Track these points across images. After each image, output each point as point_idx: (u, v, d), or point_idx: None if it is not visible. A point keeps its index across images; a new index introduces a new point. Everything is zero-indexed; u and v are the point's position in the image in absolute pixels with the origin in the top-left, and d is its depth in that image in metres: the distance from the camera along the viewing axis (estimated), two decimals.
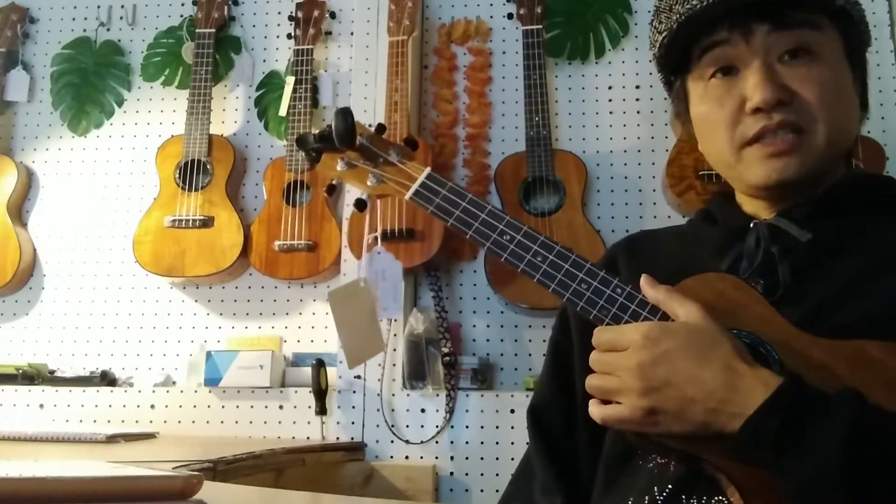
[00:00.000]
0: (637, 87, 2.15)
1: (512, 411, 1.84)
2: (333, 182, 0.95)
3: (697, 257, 0.89)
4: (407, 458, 1.88)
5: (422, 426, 1.88)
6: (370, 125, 0.94)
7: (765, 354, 0.74)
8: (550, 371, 1.00)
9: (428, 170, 0.89)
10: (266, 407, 1.99)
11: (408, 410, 1.90)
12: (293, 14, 2.26)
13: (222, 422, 2.00)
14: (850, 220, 0.84)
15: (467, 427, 1.86)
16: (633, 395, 0.72)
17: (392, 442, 1.89)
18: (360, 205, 0.96)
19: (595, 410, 0.75)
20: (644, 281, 0.78)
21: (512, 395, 1.86)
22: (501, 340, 2.04)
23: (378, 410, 1.91)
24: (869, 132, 2.01)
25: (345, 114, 0.87)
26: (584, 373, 0.88)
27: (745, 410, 0.67)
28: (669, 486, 0.76)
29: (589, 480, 0.90)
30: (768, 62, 0.82)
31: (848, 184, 0.88)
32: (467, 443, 1.86)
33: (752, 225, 0.86)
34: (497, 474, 1.82)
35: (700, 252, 0.90)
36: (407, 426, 1.89)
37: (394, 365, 1.92)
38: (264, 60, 2.36)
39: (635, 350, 0.73)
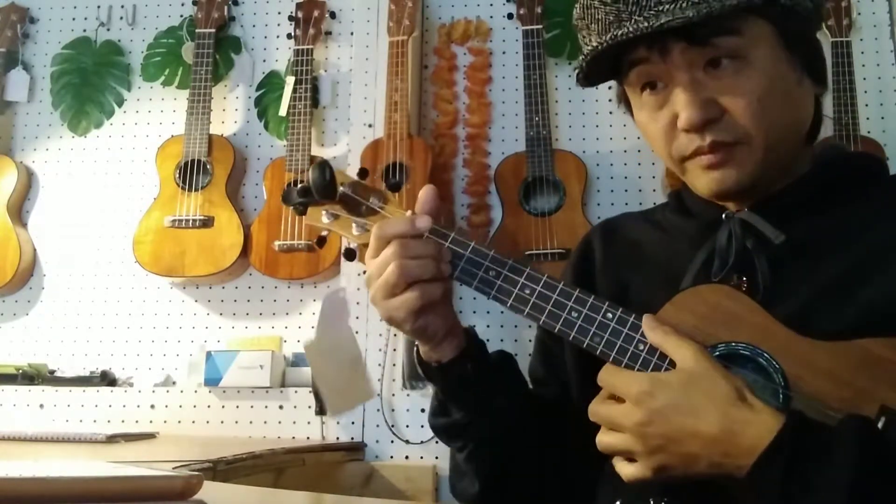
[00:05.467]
0: None
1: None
2: (323, 234, 0.92)
3: (673, 250, 0.88)
4: (407, 458, 1.88)
5: (422, 426, 1.88)
6: (357, 169, 0.91)
7: (765, 365, 0.72)
8: (543, 372, 1.00)
9: (408, 213, 0.86)
10: (266, 407, 1.99)
11: (408, 410, 1.90)
12: (293, 14, 2.26)
13: (222, 422, 2.00)
14: (827, 214, 0.81)
15: None
16: (640, 455, 0.72)
17: (392, 442, 1.89)
18: (350, 255, 0.95)
19: (621, 470, 0.75)
20: (646, 323, 0.76)
21: None
22: (501, 340, 2.04)
23: (378, 410, 1.91)
24: (869, 132, 2.00)
25: (322, 167, 0.85)
26: (577, 380, 0.91)
27: (749, 459, 0.66)
28: (665, 500, 0.76)
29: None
30: (693, 77, 0.78)
31: (821, 173, 0.85)
32: None
33: (724, 217, 0.84)
34: None
35: (675, 244, 0.89)
36: (407, 426, 1.89)
37: (394, 365, 1.92)
38: (264, 60, 2.36)
39: (631, 406, 0.72)
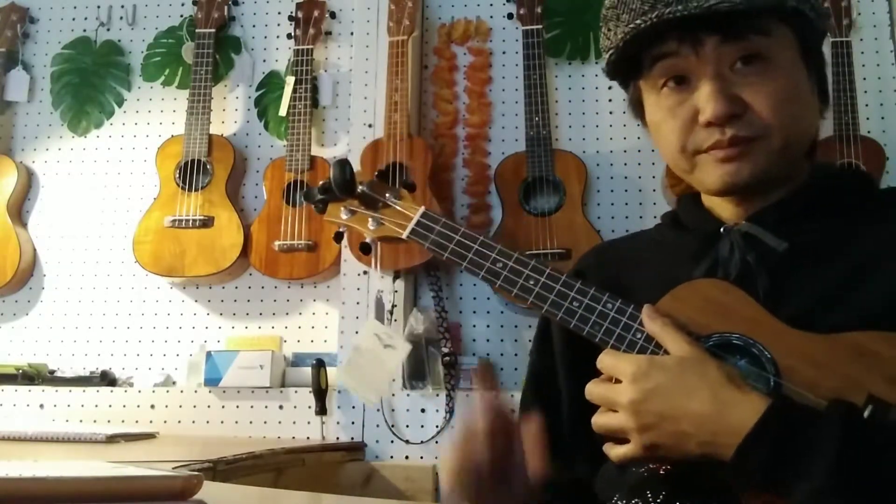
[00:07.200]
0: None
1: (511, 411, 1.83)
2: (340, 230, 0.99)
3: (672, 266, 0.88)
4: (407, 458, 1.88)
5: (422, 426, 1.88)
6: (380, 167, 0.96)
7: (757, 355, 0.74)
8: (533, 400, 0.99)
9: (422, 209, 0.92)
10: (266, 407, 1.99)
11: (408, 410, 1.90)
12: (293, 14, 2.26)
13: (222, 422, 2.00)
14: (824, 223, 0.83)
15: None
16: (633, 432, 0.73)
17: (392, 442, 1.89)
18: (365, 248, 1.00)
19: (610, 452, 0.77)
20: (645, 312, 0.79)
21: (512, 395, 1.86)
22: (501, 340, 2.04)
23: (378, 410, 1.91)
24: (869, 132, 2.01)
25: (342, 165, 0.90)
26: (570, 396, 0.92)
27: (736, 439, 0.67)
28: (663, 493, 0.77)
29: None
30: (720, 72, 0.80)
31: (816, 184, 0.87)
32: None
33: (722, 230, 0.85)
34: None
35: (674, 260, 0.89)
36: (407, 426, 1.89)
37: None
38: (264, 60, 2.36)
39: (627, 384, 0.74)
